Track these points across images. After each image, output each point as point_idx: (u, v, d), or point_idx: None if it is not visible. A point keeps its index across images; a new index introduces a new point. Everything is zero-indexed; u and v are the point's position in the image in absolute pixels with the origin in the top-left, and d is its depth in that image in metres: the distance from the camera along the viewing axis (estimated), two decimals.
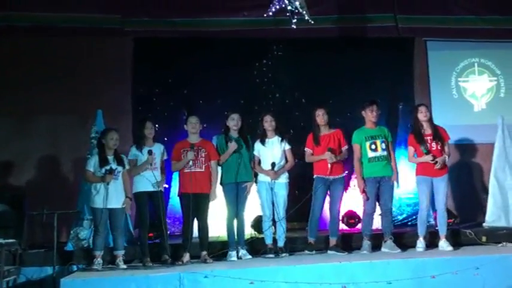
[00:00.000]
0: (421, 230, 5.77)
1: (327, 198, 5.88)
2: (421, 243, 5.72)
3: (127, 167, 5.53)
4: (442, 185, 5.73)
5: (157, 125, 6.16)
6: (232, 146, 5.65)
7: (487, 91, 8.78)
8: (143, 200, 5.54)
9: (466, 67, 8.80)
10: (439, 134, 5.79)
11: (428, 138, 5.77)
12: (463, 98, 8.72)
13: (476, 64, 8.83)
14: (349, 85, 8.02)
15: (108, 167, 5.31)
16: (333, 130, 5.89)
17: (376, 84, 8.04)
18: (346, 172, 6.19)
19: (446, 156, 5.76)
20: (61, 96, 7.56)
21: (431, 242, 5.87)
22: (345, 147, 5.87)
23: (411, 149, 5.89)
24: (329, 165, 5.68)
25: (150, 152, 5.53)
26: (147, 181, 5.49)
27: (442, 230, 5.75)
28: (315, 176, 5.84)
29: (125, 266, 5.30)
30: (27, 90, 7.52)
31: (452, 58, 8.78)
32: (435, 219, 6.27)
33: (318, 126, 5.86)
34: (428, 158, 5.66)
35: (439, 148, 5.74)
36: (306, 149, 5.93)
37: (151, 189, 5.50)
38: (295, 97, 7.98)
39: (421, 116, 5.81)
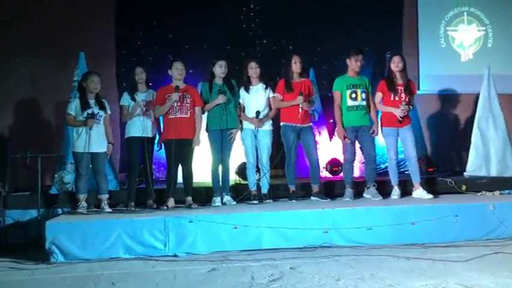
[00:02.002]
0: (394, 179, 5.83)
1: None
2: (395, 191, 5.79)
3: (108, 111, 5.48)
4: (408, 135, 5.76)
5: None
6: (220, 98, 5.55)
7: (475, 41, 8.74)
8: (135, 145, 5.52)
9: (456, 16, 8.72)
10: (409, 87, 5.80)
11: (400, 88, 5.75)
12: (450, 47, 8.69)
13: (465, 13, 8.74)
14: (337, 32, 7.93)
15: (90, 111, 5.25)
16: (304, 79, 5.86)
17: (364, 32, 7.95)
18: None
19: (411, 107, 5.79)
20: (41, 37, 7.36)
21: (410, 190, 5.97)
22: (312, 97, 5.90)
23: (379, 95, 5.84)
24: (300, 110, 5.64)
25: (134, 100, 5.51)
26: (140, 126, 5.47)
27: (416, 179, 5.79)
28: (282, 124, 5.79)
29: (109, 210, 5.34)
30: (6, 31, 7.30)
31: (442, 6, 8.70)
32: None
33: (292, 72, 5.80)
34: (397, 112, 5.65)
35: (407, 100, 5.73)
36: (275, 94, 5.82)
37: (143, 134, 5.48)
38: (282, 44, 7.84)
39: (393, 66, 5.77)
